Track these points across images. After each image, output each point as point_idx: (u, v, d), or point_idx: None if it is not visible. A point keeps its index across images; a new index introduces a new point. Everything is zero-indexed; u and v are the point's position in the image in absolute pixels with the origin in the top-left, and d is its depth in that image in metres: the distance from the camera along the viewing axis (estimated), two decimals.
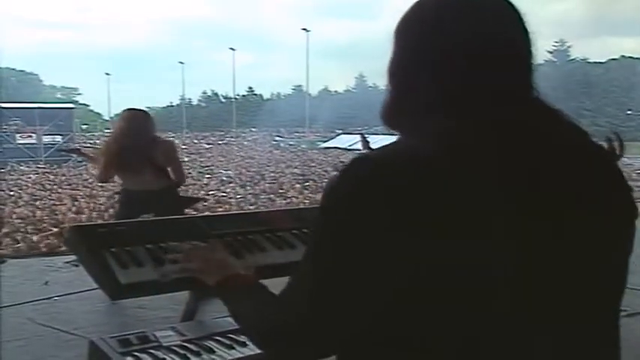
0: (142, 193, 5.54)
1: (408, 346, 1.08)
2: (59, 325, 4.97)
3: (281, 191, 17.82)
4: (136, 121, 5.72)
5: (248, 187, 18.47)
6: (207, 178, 20.45)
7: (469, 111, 1.12)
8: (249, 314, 1.30)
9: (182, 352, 2.02)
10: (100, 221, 11.90)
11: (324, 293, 1.09)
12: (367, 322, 1.10)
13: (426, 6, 1.21)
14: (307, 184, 19.70)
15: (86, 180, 20.29)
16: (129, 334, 2.09)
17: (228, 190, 17.90)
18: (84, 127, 43.42)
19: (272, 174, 22.49)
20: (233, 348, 2.07)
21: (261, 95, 61.79)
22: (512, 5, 1.19)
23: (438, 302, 1.05)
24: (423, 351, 1.08)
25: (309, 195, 16.93)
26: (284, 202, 15.57)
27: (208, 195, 15.78)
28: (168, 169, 5.69)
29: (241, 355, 2.05)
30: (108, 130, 45.25)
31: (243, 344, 2.09)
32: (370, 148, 7.08)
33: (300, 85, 52.77)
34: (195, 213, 7.77)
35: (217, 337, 2.12)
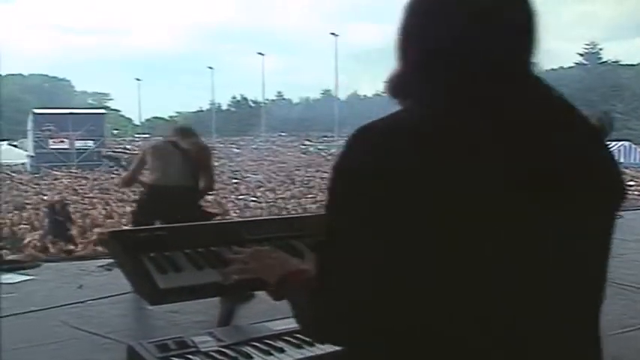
0: (167, 188, 5.67)
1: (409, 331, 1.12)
2: (93, 329, 5.02)
3: (310, 196, 17.87)
4: (187, 130, 6.15)
5: (278, 192, 18.54)
6: (236, 182, 20.56)
7: (466, 84, 1.16)
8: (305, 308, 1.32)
9: (220, 357, 2.01)
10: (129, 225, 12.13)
11: (349, 262, 1.13)
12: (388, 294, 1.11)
13: None
14: None
15: (117, 184, 20.57)
16: (167, 339, 2.08)
17: (258, 194, 18.00)
18: (115, 132, 43.94)
19: (302, 178, 22.58)
20: (271, 354, 2.05)
21: (290, 100, 62.02)
22: None
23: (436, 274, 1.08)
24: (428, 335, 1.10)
25: None
26: (314, 206, 15.60)
27: (239, 199, 15.86)
28: (200, 173, 5.79)
29: None
30: (139, 135, 45.76)
31: (281, 350, 2.07)
32: None
33: (329, 90, 52.90)
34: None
35: (254, 343, 2.11)
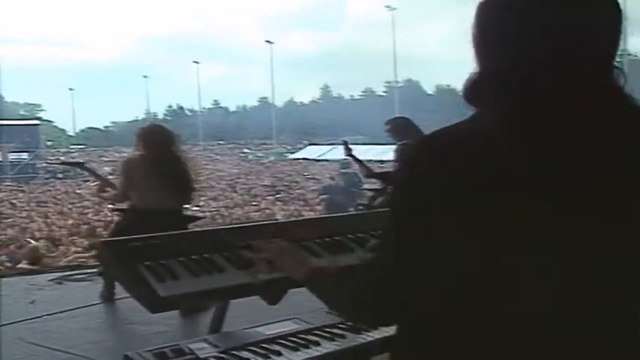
0: (152, 213, 5.41)
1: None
2: (53, 344, 4.90)
3: (254, 204, 17.79)
4: (160, 135, 5.71)
5: (220, 200, 18.36)
6: None
7: (533, 98, 1.15)
8: (343, 293, 1.39)
9: None
10: (74, 238, 11.84)
11: (404, 256, 1.18)
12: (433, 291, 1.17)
13: None
14: (279, 195, 19.69)
15: (55, 197, 20.00)
16: (164, 347, 2.08)
17: (201, 203, 17.82)
18: (49, 143, 42.77)
19: (243, 186, 22.43)
20: (269, 357, 2.07)
21: (226, 108, 61.60)
22: None
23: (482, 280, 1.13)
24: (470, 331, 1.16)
25: (283, 206, 16.92)
26: (257, 214, 15.55)
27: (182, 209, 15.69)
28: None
29: None
30: (74, 146, 44.68)
31: (278, 353, 2.10)
32: (352, 155, 7.15)
33: (265, 97, 52.81)
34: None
35: (251, 347, 2.13)
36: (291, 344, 2.16)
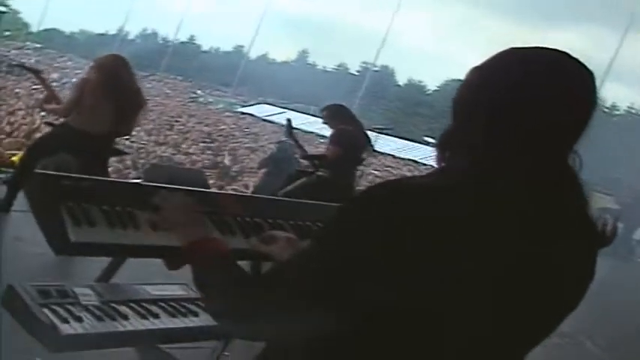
0: (85, 134, 5.54)
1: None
2: None
3: (184, 146, 17.56)
4: (124, 69, 5.78)
5: (152, 136, 18.01)
6: None
7: (493, 167, 1.26)
8: (224, 288, 1.43)
9: (98, 313, 2.09)
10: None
11: (312, 283, 1.24)
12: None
13: (503, 61, 1.32)
14: (212, 144, 19.41)
15: (48, 109, 18.95)
16: (49, 285, 2.12)
17: (134, 133, 17.44)
18: (7, 33, 41.21)
19: (181, 127, 21.90)
20: (146, 318, 2.16)
21: (199, 45, 60.62)
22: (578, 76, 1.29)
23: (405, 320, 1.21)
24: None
25: (209, 156, 16.75)
26: (183, 157, 15.34)
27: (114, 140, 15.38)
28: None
29: (152, 327, 2.15)
30: (31, 43, 43.12)
31: (156, 316, 2.19)
32: (291, 135, 7.23)
33: (242, 46, 51.74)
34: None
35: (132, 304, 2.20)
36: (171, 309, 2.25)
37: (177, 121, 23.01)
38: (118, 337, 2.08)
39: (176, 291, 2.38)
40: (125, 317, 2.13)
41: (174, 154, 15.53)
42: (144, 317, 2.16)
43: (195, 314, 2.28)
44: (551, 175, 1.28)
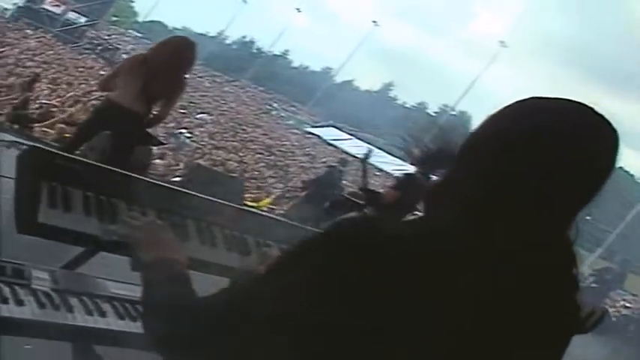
0: (115, 106, 5.48)
1: None
2: None
3: (241, 154, 17.86)
4: (180, 54, 5.60)
5: (215, 139, 18.18)
6: (184, 112, 19.78)
7: (482, 226, 1.17)
8: (163, 307, 1.40)
9: (44, 300, 2.05)
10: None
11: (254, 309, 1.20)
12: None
13: (519, 110, 1.23)
14: (268, 157, 19.50)
15: (76, 68, 19.72)
16: (8, 262, 2.10)
17: (196, 133, 17.63)
18: (114, 19, 42.53)
19: (245, 135, 22.20)
20: (91, 314, 2.11)
21: (290, 61, 61.31)
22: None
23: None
24: None
25: (259, 167, 16.80)
26: (235, 164, 15.53)
27: (176, 131, 15.57)
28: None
29: (94, 326, 2.10)
30: (132, 32, 44.58)
31: (103, 314, 2.14)
32: (365, 163, 7.12)
33: (330, 68, 51.97)
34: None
35: (85, 298, 2.16)
36: (121, 310, 2.19)
37: (243, 129, 23.38)
38: (52, 329, 2.02)
39: (134, 291, 2.22)
40: (70, 309, 2.07)
41: (227, 160, 15.70)
42: (89, 313, 2.10)
43: None
44: (540, 247, 1.18)
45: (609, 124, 1.18)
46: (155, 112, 5.75)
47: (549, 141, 1.15)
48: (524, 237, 1.16)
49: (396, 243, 1.15)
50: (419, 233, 1.18)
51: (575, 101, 1.19)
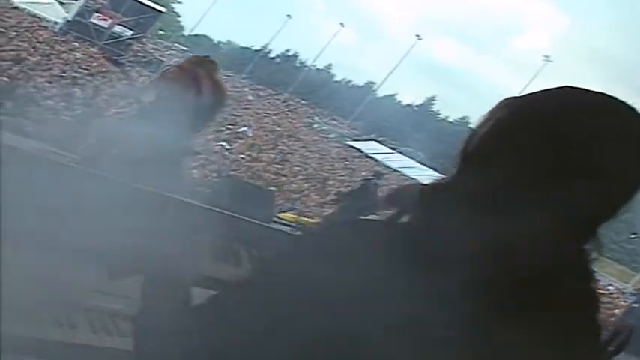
0: None
1: None
2: None
3: (277, 167, 17.91)
4: (188, 74, 5.48)
5: (252, 151, 18.21)
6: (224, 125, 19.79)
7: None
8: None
9: None
10: None
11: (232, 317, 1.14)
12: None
13: (545, 98, 1.11)
14: (306, 171, 19.41)
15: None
16: None
17: (236, 145, 17.72)
18: (161, 32, 43.21)
19: (284, 148, 22.31)
20: (61, 325, 2.06)
21: (333, 75, 61.56)
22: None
23: None
24: None
25: (294, 180, 16.74)
26: (271, 176, 15.37)
27: (217, 141, 15.69)
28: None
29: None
30: (178, 45, 45.26)
31: (74, 326, 2.09)
32: None
33: (373, 82, 51.96)
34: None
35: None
36: (97, 324, 2.13)
37: (282, 142, 23.33)
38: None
39: (111, 303, 2.23)
40: None
41: (264, 173, 15.76)
42: (59, 324, 2.04)
43: (123, 334, 2.17)
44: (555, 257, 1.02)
45: None
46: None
47: (584, 132, 1.03)
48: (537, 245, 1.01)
49: (394, 245, 1.09)
50: (419, 234, 1.10)
51: (615, 97, 1.07)
